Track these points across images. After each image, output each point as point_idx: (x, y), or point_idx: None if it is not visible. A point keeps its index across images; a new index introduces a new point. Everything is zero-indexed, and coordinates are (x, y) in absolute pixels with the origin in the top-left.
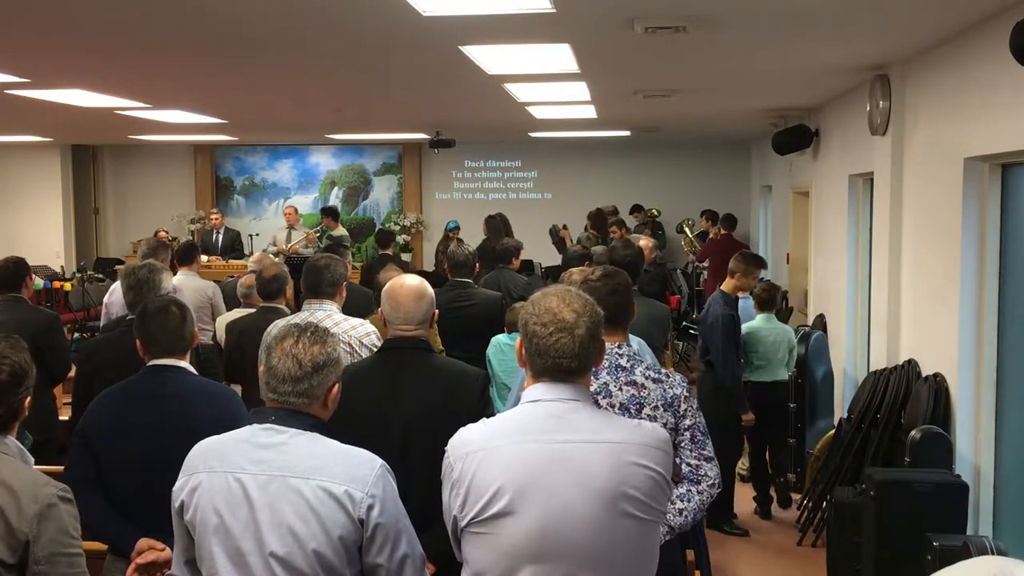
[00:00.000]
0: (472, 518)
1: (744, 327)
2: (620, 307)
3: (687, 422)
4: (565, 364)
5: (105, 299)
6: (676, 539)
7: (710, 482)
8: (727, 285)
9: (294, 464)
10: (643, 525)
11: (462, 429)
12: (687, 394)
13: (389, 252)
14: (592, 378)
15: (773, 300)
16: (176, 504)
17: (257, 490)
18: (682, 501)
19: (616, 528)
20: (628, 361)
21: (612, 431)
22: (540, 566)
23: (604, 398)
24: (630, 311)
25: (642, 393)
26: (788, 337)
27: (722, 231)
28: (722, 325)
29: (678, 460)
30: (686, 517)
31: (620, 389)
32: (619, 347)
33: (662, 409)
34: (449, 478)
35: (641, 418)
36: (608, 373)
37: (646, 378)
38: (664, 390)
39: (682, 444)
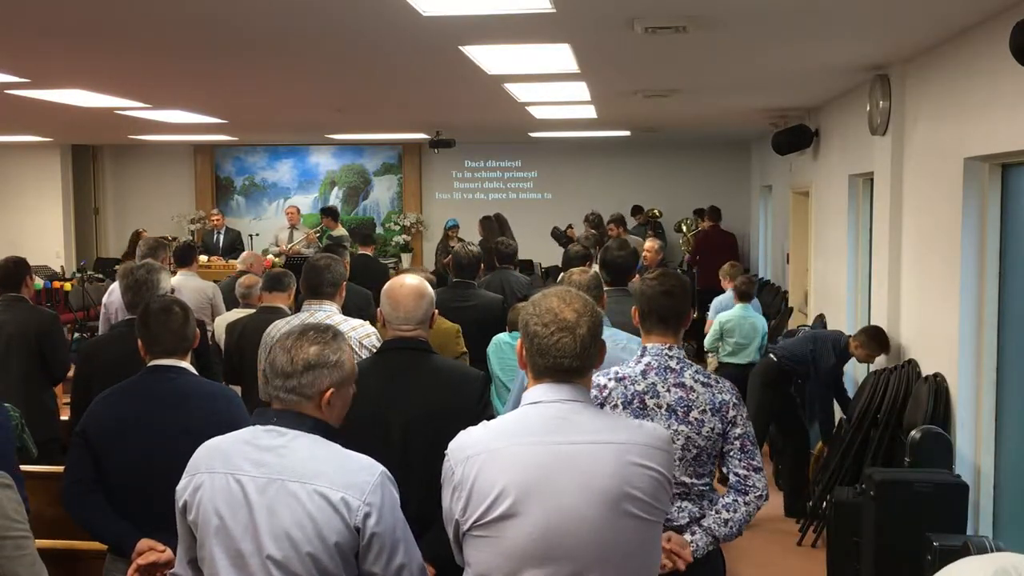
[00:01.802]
0: (475, 521)
1: (724, 316)
2: (673, 309)
3: (737, 431)
4: (566, 364)
5: (104, 299)
6: (716, 548)
7: (757, 493)
8: (853, 344)
9: (293, 467)
10: (645, 525)
11: (462, 432)
12: (736, 401)
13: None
14: (640, 378)
15: (751, 293)
16: (179, 504)
17: (256, 493)
18: (728, 511)
19: (619, 528)
20: (678, 363)
21: (614, 432)
22: (543, 567)
23: (651, 398)
24: (684, 315)
25: (690, 396)
26: (762, 325)
27: (709, 223)
28: (830, 378)
29: (725, 469)
30: (731, 528)
31: (668, 391)
32: (669, 348)
33: (710, 413)
34: (450, 482)
35: (688, 421)
36: (657, 374)
37: (695, 381)
38: (713, 395)
39: (731, 453)
